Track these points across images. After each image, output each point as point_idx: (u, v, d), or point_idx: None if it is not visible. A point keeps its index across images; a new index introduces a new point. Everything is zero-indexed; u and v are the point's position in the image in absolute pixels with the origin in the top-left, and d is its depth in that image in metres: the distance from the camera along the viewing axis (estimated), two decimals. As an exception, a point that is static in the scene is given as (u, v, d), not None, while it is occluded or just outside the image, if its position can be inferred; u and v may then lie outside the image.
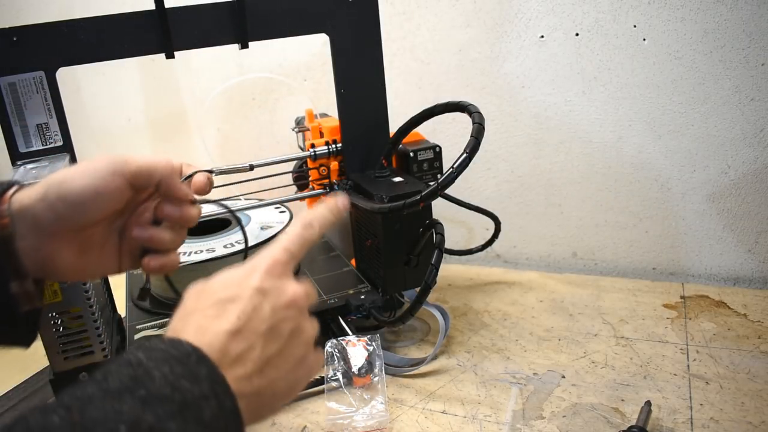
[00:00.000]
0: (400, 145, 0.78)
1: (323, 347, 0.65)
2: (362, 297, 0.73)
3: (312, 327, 0.40)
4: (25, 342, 0.44)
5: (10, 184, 0.43)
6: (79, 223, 0.43)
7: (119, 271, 0.48)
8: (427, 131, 0.81)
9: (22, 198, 0.42)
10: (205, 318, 0.36)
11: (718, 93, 0.82)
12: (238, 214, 0.83)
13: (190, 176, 0.50)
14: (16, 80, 0.60)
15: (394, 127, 0.77)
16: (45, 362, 0.60)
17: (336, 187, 0.78)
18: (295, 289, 0.39)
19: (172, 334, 0.36)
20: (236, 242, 0.75)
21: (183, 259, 0.72)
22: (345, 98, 0.74)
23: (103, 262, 0.47)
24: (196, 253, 0.73)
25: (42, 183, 0.42)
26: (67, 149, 0.64)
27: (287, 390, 0.38)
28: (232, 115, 1.15)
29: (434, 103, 0.71)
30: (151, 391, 0.30)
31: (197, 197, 0.50)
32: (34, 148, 0.62)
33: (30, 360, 0.79)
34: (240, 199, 0.88)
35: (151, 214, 0.48)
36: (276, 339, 0.37)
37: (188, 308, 0.38)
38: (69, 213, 0.42)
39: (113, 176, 0.43)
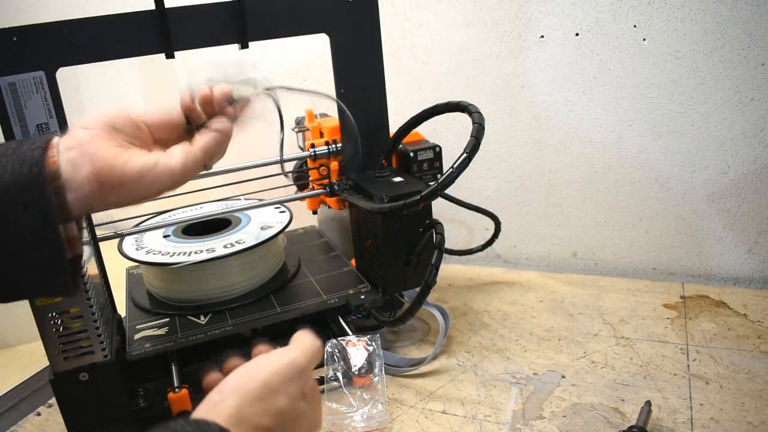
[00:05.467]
0: (400, 145, 0.78)
1: (323, 347, 0.65)
2: (362, 297, 0.73)
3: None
4: (71, 290, 0.43)
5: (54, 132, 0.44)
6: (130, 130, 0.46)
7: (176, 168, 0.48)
8: (427, 131, 0.81)
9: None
10: (245, 401, 0.38)
11: (718, 93, 0.82)
12: (238, 215, 0.83)
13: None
14: (16, 80, 0.60)
15: (394, 127, 0.77)
16: (45, 362, 0.60)
17: (336, 187, 0.78)
18: (320, 412, 0.43)
19: (208, 405, 0.38)
20: (236, 242, 0.75)
21: (183, 259, 0.72)
22: (345, 98, 0.74)
23: (149, 155, 0.47)
24: (196, 253, 0.73)
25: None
26: (67, 149, 0.63)
27: None
28: (232, 115, 1.15)
29: (434, 103, 0.71)
30: None
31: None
32: (34, 148, 0.62)
33: (30, 360, 0.79)
34: (240, 199, 0.88)
35: None
36: None
37: (230, 386, 0.39)
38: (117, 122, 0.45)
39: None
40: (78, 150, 0.42)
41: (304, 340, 0.44)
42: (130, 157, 0.44)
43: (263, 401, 0.38)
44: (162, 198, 0.61)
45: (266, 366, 0.40)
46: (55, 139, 0.42)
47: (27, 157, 0.40)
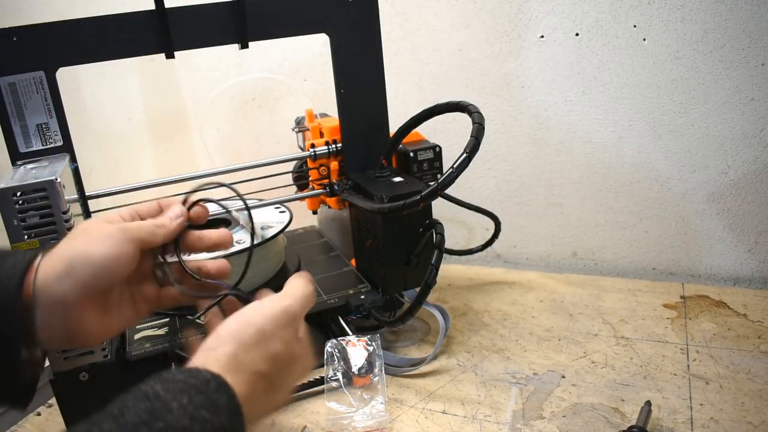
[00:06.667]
0: (400, 145, 0.78)
1: (323, 347, 0.65)
2: (362, 297, 0.73)
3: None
4: (23, 404, 0.45)
5: (36, 254, 0.43)
6: (102, 288, 0.44)
7: (137, 320, 0.50)
8: (427, 131, 0.81)
9: (45, 275, 0.42)
10: (241, 347, 0.38)
11: (718, 93, 0.82)
12: (239, 213, 0.83)
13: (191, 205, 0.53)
14: (16, 80, 0.60)
15: (394, 127, 0.77)
16: (45, 362, 0.60)
17: (336, 187, 0.78)
18: (311, 353, 0.45)
19: (205, 351, 0.38)
20: (236, 242, 0.75)
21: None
22: (345, 98, 0.74)
23: (122, 317, 0.48)
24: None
25: (61, 256, 0.43)
26: (67, 149, 0.64)
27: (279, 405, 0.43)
28: (232, 115, 1.15)
29: (434, 103, 0.71)
30: (169, 423, 0.30)
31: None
32: (34, 148, 0.62)
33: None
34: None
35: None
36: (286, 379, 0.42)
37: (227, 332, 0.40)
38: (94, 281, 0.43)
39: (129, 243, 0.45)
40: (60, 315, 0.42)
41: (296, 287, 0.45)
42: (106, 328, 0.46)
43: (259, 347, 0.39)
44: (162, 198, 0.61)
45: (261, 313, 0.41)
46: (38, 261, 0.42)
47: (2, 284, 0.40)
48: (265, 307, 0.42)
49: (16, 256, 0.43)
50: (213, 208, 0.80)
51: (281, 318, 0.41)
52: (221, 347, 0.38)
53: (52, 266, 0.43)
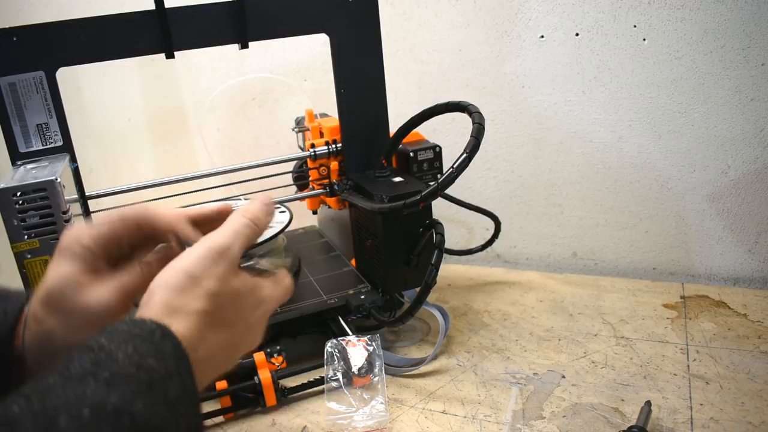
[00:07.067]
0: (400, 145, 0.78)
1: (323, 347, 0.65)
2: (362, 297, 0.73)
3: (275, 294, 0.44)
4: None
5: (27, 297, 0.41)
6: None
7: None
8: (427, 131, 0.81)
9: (33, 341, 0.40)
10: (173, 293, 0.37)
11: (718, 93, 0.82)
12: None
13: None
14: (16, 80, 0.60)
15: (394, 127, 0.77)
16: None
17: (336, 187, 0.78)
18: (265, 286, 0.43)
19: (141, 308, 0.37)
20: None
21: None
22: (345, 98, 0.74)
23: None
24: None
25: (46, 308, 0.39)
26: (67, 149, 0.64)
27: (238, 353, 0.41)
28: (232, 115, 1.15)
29: (434, 103, 0.71)
30: (114, 372, 0.30)
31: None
32: (34, 148, 0.63)
33: (30, 360, 0.79)
34: (240, 199, 0.88)
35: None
36: (241, 314, 0.40)
37: (155, 283, 0.39)
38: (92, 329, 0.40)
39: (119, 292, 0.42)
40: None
41: (227, 222, 0.42)
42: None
43: (190, 289, 0.38)
44: (161, 198, 0.61)
45: (187, 256, 0.40)
46: (25, 312, 0.40)
47: None
48: (193, 249, 0.40)
49: (6, 302, 0.41)
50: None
51: (207, 256, 0.39)
52: (152, 298, 0.37)
53: (41, 333, 0.39)
